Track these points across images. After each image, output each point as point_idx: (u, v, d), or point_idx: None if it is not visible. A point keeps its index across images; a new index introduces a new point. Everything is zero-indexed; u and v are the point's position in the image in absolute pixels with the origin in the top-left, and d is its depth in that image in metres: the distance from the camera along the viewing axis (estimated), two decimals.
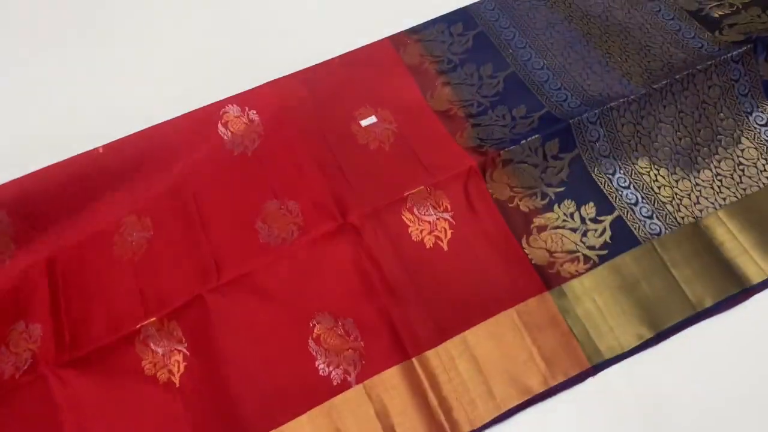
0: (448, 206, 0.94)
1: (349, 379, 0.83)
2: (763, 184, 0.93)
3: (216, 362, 0.84)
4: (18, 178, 1.00)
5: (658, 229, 0.90)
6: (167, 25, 1.19)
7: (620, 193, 0.93)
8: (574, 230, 0.91)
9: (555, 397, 0.82)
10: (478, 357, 0.83)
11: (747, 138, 0.97)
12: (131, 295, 0.89)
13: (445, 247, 0.91)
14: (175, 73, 1.12)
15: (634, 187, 0.94)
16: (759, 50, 0.99)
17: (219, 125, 1.04)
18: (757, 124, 0.98)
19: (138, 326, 0.87)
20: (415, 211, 0.93)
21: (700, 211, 0.92)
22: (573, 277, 0.88)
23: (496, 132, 1.00)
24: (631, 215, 0.92)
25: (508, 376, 0.82)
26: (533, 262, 0.89)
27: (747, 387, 0.80)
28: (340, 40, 1.12)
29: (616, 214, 0.92)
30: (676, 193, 0.93)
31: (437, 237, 0.92)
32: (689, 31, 1.06)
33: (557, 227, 0.92)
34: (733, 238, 0.89)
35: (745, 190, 0.93)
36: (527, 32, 1.10)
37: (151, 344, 0.86)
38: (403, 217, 0.93)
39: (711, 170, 0.95)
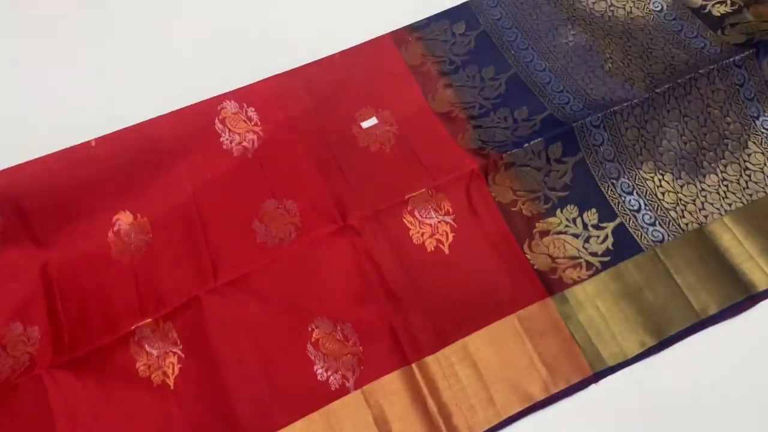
0: (450, 209, 0.93)
1: (347, 384, 0.82)
2: None
3: (211, 365, 0.83)
4: (6, 170, 0.98)
5: (660, 236, 0.89)
6: (165, 19, 1.17)
7: (623, 199, 0.92)
8: (576, 236, 0.90)
9: (556, 405, 0.80)
10: (479, 363, 0.82)
11: (754, 143, 0.96)
12: (128, 296, 0.88)
13: (447, 251, 0.90)
14: (172, 68, 1.10)
15: (637, 193, 0.93)
16: (762, 54, 0.98)
17: (216, 121, 1.02)
18: (764, 128, 0.97)
19: (133, 327, 0.86)
20: (416, 213, 0.92)
21: (705, 216, 0.90)
22: (575, 283, 0.87)
23: (498, 134, 0.99)
24: (633, 222, 0.90)
25: (508, 383, 0.81)
26: (535, 267, 0.88)
27: (752, 395, 0.79)
28: (341, 35, 1.10)
29: (618, 221, 0.91)
30: (680, 199, 0.92)
31: (438, 240, 0.91)
32: (691, 31, 1.05)
33: (560, 232, 0.91)
34: (738, 244, 0.88)
35: (751, 195, 0.92)
36: (530, 34, 1.08)
37: (146, 345, 0.85)
38: (404, 219, 0.92)
39: (717, 175, 0.93)
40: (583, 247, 0.89)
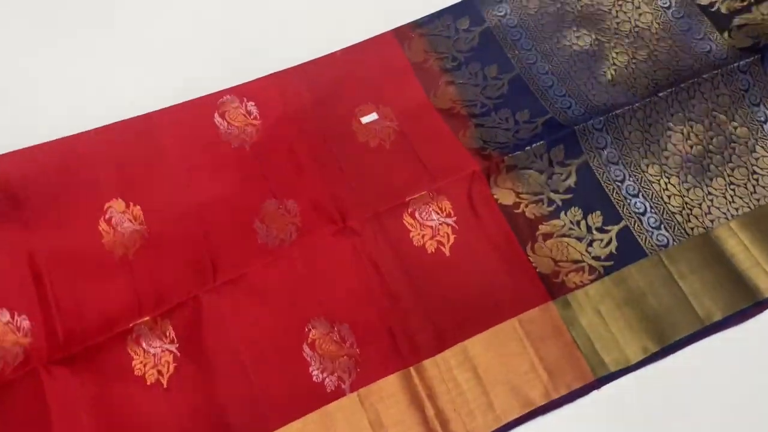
0: (451, 211, 0.91)
1: (343, 386, 0.80)
2: None
3: (206, 364, 0.82)
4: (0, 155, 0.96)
5: (665, 240, 0.87)
6: (166, 14, 1.15)
7: (628, 201, 0.91)
8: (579, 239, 0.88)
9: (557, 411, 0.79)
10: (478, 367, 0.80)
11: (762, 147, 0.94)
12: (125, 293, 0.87)
13: (447, 253, 0.88)
14: (172, 64, 1.08)
15: (643, 195, 0.91)
16: (766, 60, 0.96)
17: (216, 115, 1.00)
18: None
19: (131, 325, 0.84)
20: (417, 215, 0.91)
21: (711, 221, 0.89)
22: (578, 287, 0.85)
23: (499, 135, 0.97)
24: (638, 225, 0.89)
25: (508, 387, 0.79)
26: (538, 270, 0.86)
27: (757, 403, 0.78)
28: (343, 32, 1.08)
29: (622, 224, 0.89)
30: (686, 203, 0.90)
31: (439, 242, 0.89)
32: (698, 32, 1.03)
33: (563, 235, 0.89)
34: (745, 250, 0.86)
35: (758, 200, 0.90)
36: (534, 34, 1.07)
37: (143, 343, 0.84)
38: (404, 221, 0.91)
39: (724, 178, 0.92)
40: (587, 250, 0.88)
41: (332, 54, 1.06)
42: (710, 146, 0.94)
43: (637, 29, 1.05)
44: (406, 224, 0.90)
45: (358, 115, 1.00)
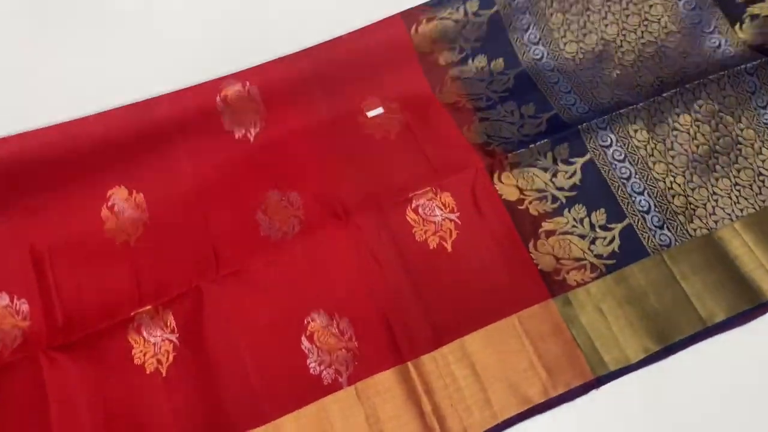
0: (455, 207, 0.91)
1: (340, 379, 0.80)
2: None
3: (205, 355, 0.82)
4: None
5: (668, 240, 0.87)
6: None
7: (633, 199, 0.90)
8: (582, 237, 0.88)
9: (556, 409, 0.78)
10: (477, 363, 0.80)
11: None
12: (127, 281, 0.87)
13: (449, 248, 0.88)
14: (174, 50, 1.07)
15: (648, 193, 0.90)
16: None
17: (218, 99, 0.98)
18: None
19: (132, 313, 0.85)
20: (420, 211, 0.91)
21: (716, 222, 0.88)
22: (579, 285, 0.84)
23: (504, 129, 0.96)
24: (641, 224, 0.88)
25: (506, 384, 0.79)
26: (539, 267, 0.86)
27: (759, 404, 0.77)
28: (349, 17, 1.05)
29: (626, 222, 0.88)
30: (690, 203, 0.89)
31: (441, 238, 0.89)
32: (709, 24, 1.01)
33: (566, 233, 0.88)
34: (749, 252, 0.85)
35: (764, 201, 0.89)
36: (542, 26, 1.05)
37: (144, 332, 0.84)
38: (407, 217, 0.90)
39: (730, 179, 0.91)
40: (589, 248, 0.87)
41: (338, 39, 1.03)
42: (716, 147, 0.93)
43: (647, 22, 1.03)
44: (409, 220, 0.90)
45: (365, 109, 1.00)
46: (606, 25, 1.04)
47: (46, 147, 0.93)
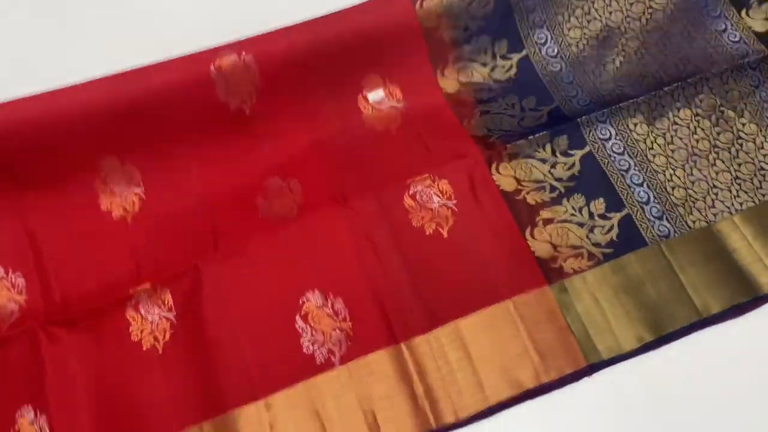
0: (452, 194, 0.91)
1: (333, 359, 0.80)
2: None
3: (201, 333, 0.83)
4: None
5: (666, 231, 0.87)
6: None
7: (632, 190, 0.90)
8: (581, 225, 0.88)
9: (549, 396, 0.78)
10: (470, 347, 0.80)
11: None
12: (125, 258, 0.88)
13: (445, 235, 0.89)
14: (169, 20, 1.05)
15: (647, 185, 0.90)
16: None
17: (211, 68, 0.92)
18: None
19: (131, 291, 0.86)
20: (418, 198, 0.91)
21: (714, 215, 0.88)
22: (576, 273, 0.84)
23: (504, 122, 0.97)
24: (640, 214, 0.88)
25: (499, 369, 0.79)
26: (536, 254, 0.86)
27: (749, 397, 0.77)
28: None
29: (625, 212, 0.88)
30: (690, 195, 0.89)
31: (438, 224, 0.89)
32: (715, 7, 1.01)
33: (564, 221, 0.89)
34: (747, 245, 0.85)
35: (764, 195, 0.89)
36: (548, 9, 1.03)
37: (141, 310, 0.85)
38: (404, 203, 0.91)
39: (730, 173, 0.91)
40: (587, 236, 0.87)
41: (341, 12, 0.97)
42: (717, 142, 0.93)
43: (651, 10, 1.02)
44: (407, 206, 0.91)
45: (365, 88, 0.99)
46: (610, 13, 1.04)
47: (34, 117, 0.88)
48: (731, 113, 0.95)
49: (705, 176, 0.91)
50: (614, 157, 0.93)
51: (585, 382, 0.79)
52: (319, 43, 0.95)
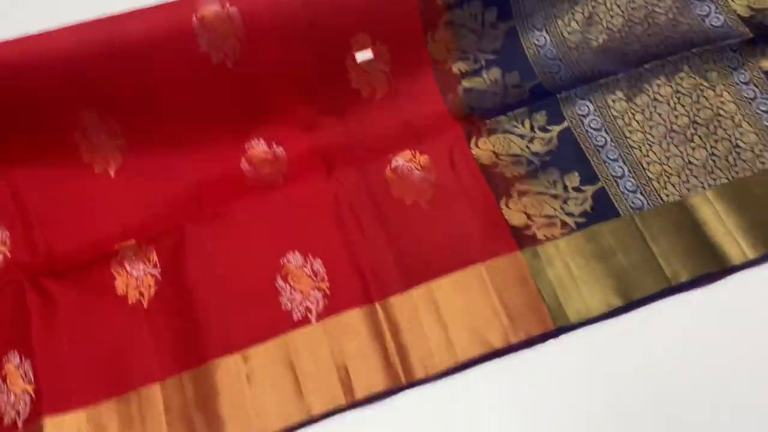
0: (432, 169, 0.94)
1: (310, 316, 0.83)
2: (758, 169, 0.90)
3: (185, 290, 0.86)
4: None
5: (640, 203, 0.89)
6: None
7: (607, 165, 0.92)
8: (555, 197, 0.90)
9: (517, 356, 0.80)
10: (442, 308, 0.83)
11: (748, 123, 0.95)
12: (110, 213, 0.91)
13: (423, 206, 0.91)
14: None
15: (623, 160, 0.92)
16: (758, 43, 0.97)
17: (193, 18, 0.87)
18: (759, 110, 0.95)
19: (117, 247, 0.89)
20: (399, 171, 0.94)
21: (688, 189, 0.90)
22: (549, 240, 0.87)
23: (486, 100, 0.99)
24: (614, 188, 0.90)
25: (470, 329, 0.81)
26: (510, 223, 0.88)
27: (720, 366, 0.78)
28: None
29: (599, 185, 0.91)
30: (665, 170, 0.91)
31: (418, 195, 0.92)
32: None
33: (539, 193, 0.91)
34: (718, 219, 0.87)
35: (738, 173, 0.91)
36: None
37: (127, 265, 0.88)
38: (386, 176, 0.94)
39: (706, 150, 0.93)
40: (561, 207, 0.89)
41: None
42: (696, 118, 0.95)
43: None
44: (387, 178, 0.94)
45: (354, 47, 0.96)
46: None
47: (6, 66, 0.83)
48: (711, 92, 0.97)
49: (681, 152, 0.93)
50: (591, 133, 0.95)
51: (551, 343, 0.81)
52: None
